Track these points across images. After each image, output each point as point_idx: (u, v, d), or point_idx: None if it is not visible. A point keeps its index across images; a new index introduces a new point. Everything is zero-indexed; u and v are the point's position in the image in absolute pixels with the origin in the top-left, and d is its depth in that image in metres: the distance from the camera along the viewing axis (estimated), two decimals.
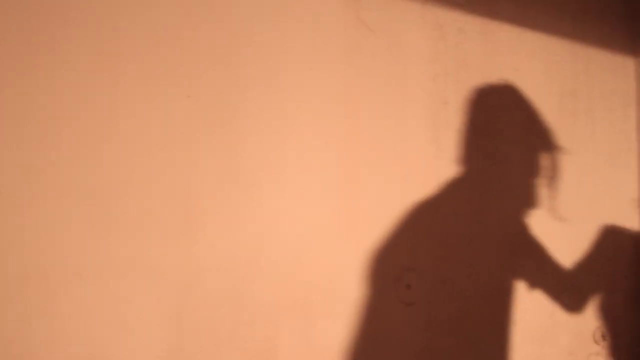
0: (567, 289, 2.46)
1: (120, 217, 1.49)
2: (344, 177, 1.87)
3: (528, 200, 2.33)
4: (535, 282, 2.35)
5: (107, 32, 1.49)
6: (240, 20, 1.70)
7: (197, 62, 1.63)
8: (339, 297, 1.85)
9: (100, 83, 1.48)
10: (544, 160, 2.39)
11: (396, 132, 1.99)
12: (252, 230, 1.69)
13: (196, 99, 1.62)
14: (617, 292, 2.67)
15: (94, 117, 1.47)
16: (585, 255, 2.51)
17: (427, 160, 2.05)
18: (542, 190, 2.38)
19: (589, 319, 2.55)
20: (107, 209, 1.47)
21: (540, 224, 2.36)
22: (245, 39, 1.70)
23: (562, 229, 2.45)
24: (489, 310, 2.20)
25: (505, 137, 2.26)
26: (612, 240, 2.66)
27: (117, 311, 1.48)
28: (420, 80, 2.05)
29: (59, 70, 1.44)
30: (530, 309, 2.33)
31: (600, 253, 2.56)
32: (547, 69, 2.42)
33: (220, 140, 1.65)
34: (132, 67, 1.52)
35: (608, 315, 2.63)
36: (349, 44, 1.90)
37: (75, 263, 1.43)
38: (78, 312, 1.43)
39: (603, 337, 2.57)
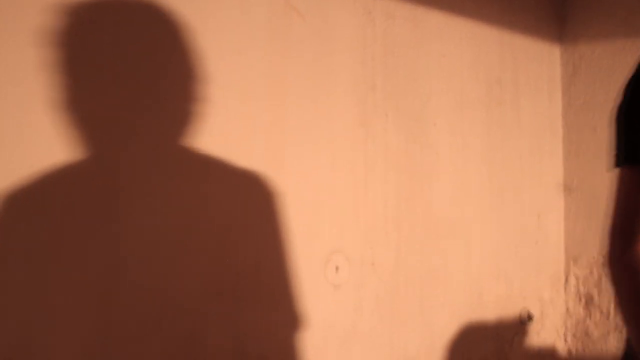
0: (493, 272, 2.52)
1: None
2: (271, 162, 1.86)
3: (453, 185, 2.38)
4: (461, 265, 2.40)
5: None
6: (164, 2, 1.68)
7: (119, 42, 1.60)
8: (266, 282, 1.85)
9: None
10: (470, 144, 2.43)
11: (324, 116, 2.00)
12: (177, 218, 1.67)
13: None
14: (543, 272, 2.75)
15: None
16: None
17: (356, 144, 2.07)
18: (470, 175, 2.43)
19: (516, 299, 2.62)
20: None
21: (469, 210, 2.41)
22: (169, 22, 1.68)
23: (490, 214, 2.51)
24: (417, 293, 2.24)
25: (433, 122, 2.30)
26: (537, 226, 2.73)
27: (41, 301, 1.44)
28: (349, 66, 2.06)
29: None
30: (458, 290, 2.38)
31: None
32: (474, 56, 2.46)
33: (143, 125, 1.63)
34: None
35: (534, 296, 2.70)
36: (277, 29, 1.90)
37: None
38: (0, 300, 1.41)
39: (529, 317, 2.64)
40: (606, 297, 2.71)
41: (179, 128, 1.68)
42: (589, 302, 2.76)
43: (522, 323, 2.63)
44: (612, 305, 2.69)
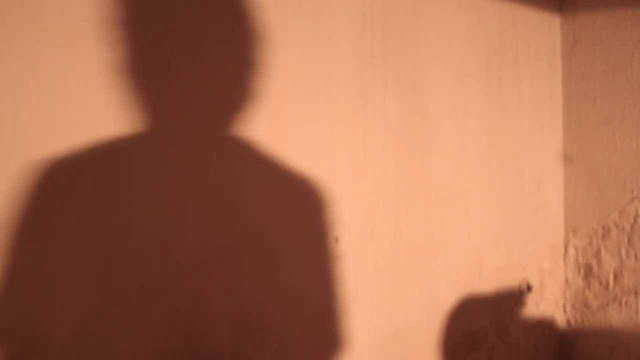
0: (493, 241, 2.53)
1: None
2: (269, 131, 1.86)
3: (453, 154, 2.37)
4: (461, 234, 2.41)
5: None
6: None
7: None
8: (266, 249, 1.84)
9: None
10: (470, 113, 2.43)
11: (323, 85, 1.98)
12: (177, 184, 1.67)
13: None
14: (542, 242, 2.76)
15: None
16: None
17: (354, 113, 2.06)
18: (469, 145, 2.43)
19: (515, 269, 2.63)
20: None
21: (468, 179, 2.41)
22: None
23: (490, 183, 2.51)
24: (416, 263, 2.24)
25: (432, 92, 2.29)
26: (537, 196, 2.73)
27: (41, 270, 1.44)
28: (348, 35, 2.05)
29: None
30: (458, 259, 2.38)
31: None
32: (474, 26, 2.44)
33: (144, 93, 1.62)
34: None
35: (533, 266, 2.71)
36: None
37: None
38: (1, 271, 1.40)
39: (528, 288, 2.65)
40: (605, 268, 2.72)
41: (173, 100, 1.68)
42: (588, 273, 2.77)
43: (521, 293, 2.64)
44: (611, 276, 2.70)
